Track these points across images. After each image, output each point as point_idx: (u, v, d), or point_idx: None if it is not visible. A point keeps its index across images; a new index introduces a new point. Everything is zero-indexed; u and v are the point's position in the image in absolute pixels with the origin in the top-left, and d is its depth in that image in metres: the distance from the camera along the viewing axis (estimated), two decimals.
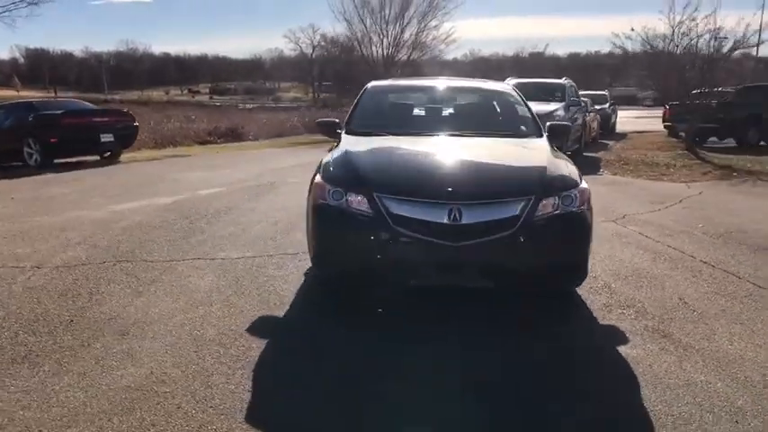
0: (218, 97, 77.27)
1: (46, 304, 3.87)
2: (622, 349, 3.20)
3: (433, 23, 22.17)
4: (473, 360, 3.11)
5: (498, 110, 5.09)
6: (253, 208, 7.02)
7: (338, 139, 4.69)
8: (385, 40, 22.01)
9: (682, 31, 14.03)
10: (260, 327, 3.51)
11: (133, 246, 5.27)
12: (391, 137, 4.38)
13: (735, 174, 9.51)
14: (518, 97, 5.11)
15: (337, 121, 5.10)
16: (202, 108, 36.93)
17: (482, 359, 3.12)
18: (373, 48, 22.41)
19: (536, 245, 3.32)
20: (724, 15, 13.60)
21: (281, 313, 3.74)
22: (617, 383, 2.87)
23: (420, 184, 3.42)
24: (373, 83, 5.53)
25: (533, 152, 4.07)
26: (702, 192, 7.90)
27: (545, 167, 3.65)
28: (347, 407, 2.67)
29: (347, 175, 3.60)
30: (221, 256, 4.93)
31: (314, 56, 76.66)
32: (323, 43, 74.32)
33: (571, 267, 3.54)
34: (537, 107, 6.34)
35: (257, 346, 3.24)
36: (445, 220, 3.22)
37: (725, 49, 13.66)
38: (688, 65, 13.51)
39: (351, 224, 3.40)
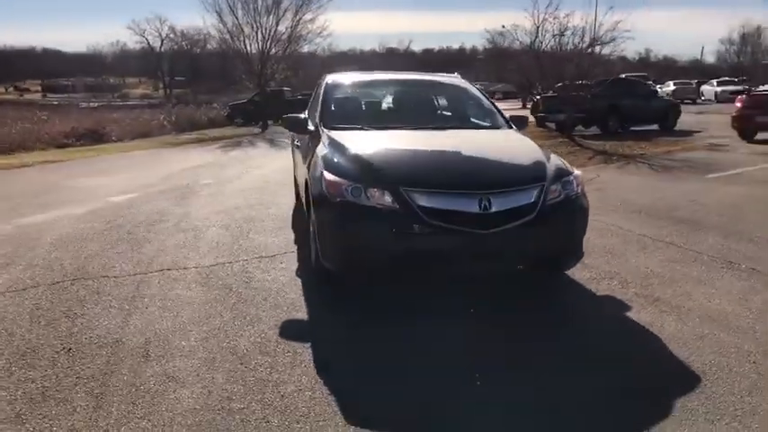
0: (54, 95, 68.98)
1: (21, 334, 3.39)
2: (631, 315, 3.61)
3: (308, 16, 21.92)
4: (523, 332, 3.32)
5: (467, 104, 5.28)
6: (187, 213, 6.58)
7: (314, 135, 4.59)
8: (259, 32, 21.33)
9: (545, 28, 15.63)
10: (292, 331, 3.39)
11: (79, 262, 4.73)
12: (380, 131, 4.36)
13: (614, 158, 10.78)
14: (478, 92, 5.36)
15: (303, 116, 5.01)
16: (38, 108, 32.87)
17: (531, 327, 3.35)
18: (247, 41, 21.64)
19: (549, 228, 3.57)
20: (584, 15, 15.31)
21: (303, 315, 3.64)
22: (649, 345, 3.22)
23: (449, 176, 3.50)
24: (331, 76, 5.43)
25: (523, 143, 4.34)
26: (600, 175, 8.87)
27: (542, 156, 3.93)
28: (439, 387, 2.71)
29: (365, 170, 3.56)
30: (193, 265, 4.61)
31: (162, 49, 72.11)
32: (172, 36, 70.35)
33: (572, 248, 3.85)
34: None
35: (302, 350, 3.14)
36: (476, 210, 3.34)
37: (583, 46, 15.42)
38: (566, 60, 15.00)
39: (379, 219, 3.37)
